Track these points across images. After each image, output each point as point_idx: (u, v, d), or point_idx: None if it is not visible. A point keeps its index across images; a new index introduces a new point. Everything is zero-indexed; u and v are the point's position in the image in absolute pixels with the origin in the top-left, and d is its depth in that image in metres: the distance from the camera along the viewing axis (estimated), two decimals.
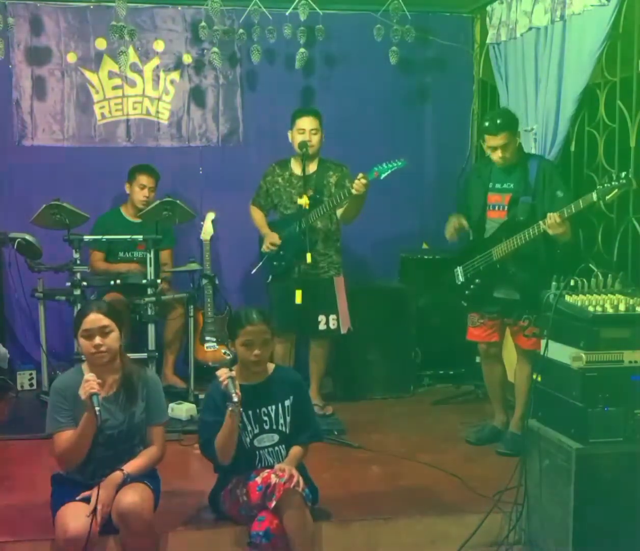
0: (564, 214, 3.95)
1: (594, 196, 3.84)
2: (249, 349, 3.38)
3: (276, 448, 3.48)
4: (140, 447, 3.38)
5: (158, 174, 5.55)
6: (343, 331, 5.00)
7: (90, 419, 3.12)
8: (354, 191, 4.61)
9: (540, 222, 4.06)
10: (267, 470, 3.30)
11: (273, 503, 3.17)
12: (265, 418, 3.45)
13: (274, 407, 3.47)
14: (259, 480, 3.25)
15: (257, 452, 3.45)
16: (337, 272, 4.99)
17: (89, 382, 3.12)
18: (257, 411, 3.43)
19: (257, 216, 5.11)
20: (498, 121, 4.30)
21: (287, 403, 3.49)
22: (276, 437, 3.47)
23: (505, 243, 4.25)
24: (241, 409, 3.29)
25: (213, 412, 3.39)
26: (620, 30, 4.32)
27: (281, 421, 3.48)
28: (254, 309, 3.45)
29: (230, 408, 3.25)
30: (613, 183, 3.77)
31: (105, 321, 3.26)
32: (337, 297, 4.98)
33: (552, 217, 3.97)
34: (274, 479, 3.20)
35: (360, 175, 4.58)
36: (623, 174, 3.77)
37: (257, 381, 3.47)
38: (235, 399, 3.21)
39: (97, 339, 3.23)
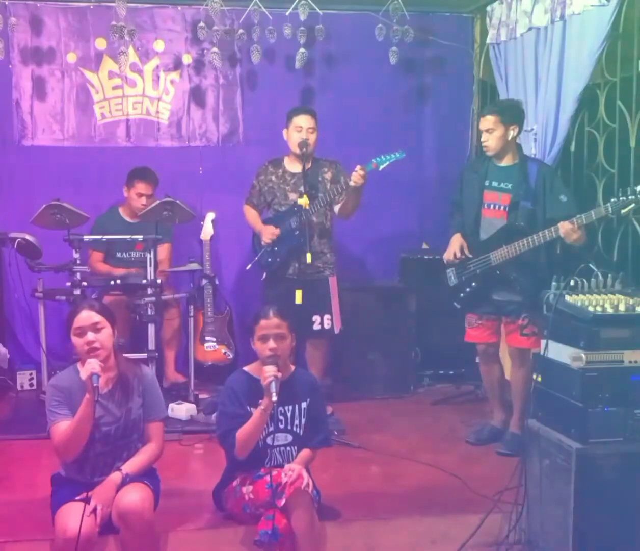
0: (574, 224, 3.91)
1: (609, 208, 3.79)
2: (264, 344, 3.39)
3: (288, 448, 3.49)
4: (138, 444, 3.38)
5: (156, 178, 5.53)
6: (336, 331, 5.00)
7: (89, 401, 3.13)
8: (352, 183, 4.61)
9: (552, 228, 4.01)
10: (277, 469, 3.32)
11: (282, 502, 3.18)
12: (282, 417, 3.46)
13: (291, 407, 3.48)
14: (268, 478, 3.26)
15: (269, 450, 3.45)
16: (332, 272, 4.99)
17: (91, 363, 3.15)
18: (275, 409, 3.40)
19: (251, 214, 5.09)
20: (492, 105, 4.28)
21: (304, 405, 3.51)
22: (290, 437, 3.49)
23: (506, 249, 4.22)
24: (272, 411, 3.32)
25: (235, 404, 3.41)
26: (620, 30, 4.33)
27: (296, 422, 3.49)
28: (271, 307, 3.48)
29: (262, 407, 3.29)
30: (629, 197, 3.70)
31: (97, 318, 3.26)
32: (331, 297, 4.98)
33: (565, 226, 3.93)
34: (284, 478, 3.22)
35: (358, 167, 4.58)
36: (639, 188, 3.69)
37: None
38: (275, 398, 3.24)
39: (90, 336, 3.23)
